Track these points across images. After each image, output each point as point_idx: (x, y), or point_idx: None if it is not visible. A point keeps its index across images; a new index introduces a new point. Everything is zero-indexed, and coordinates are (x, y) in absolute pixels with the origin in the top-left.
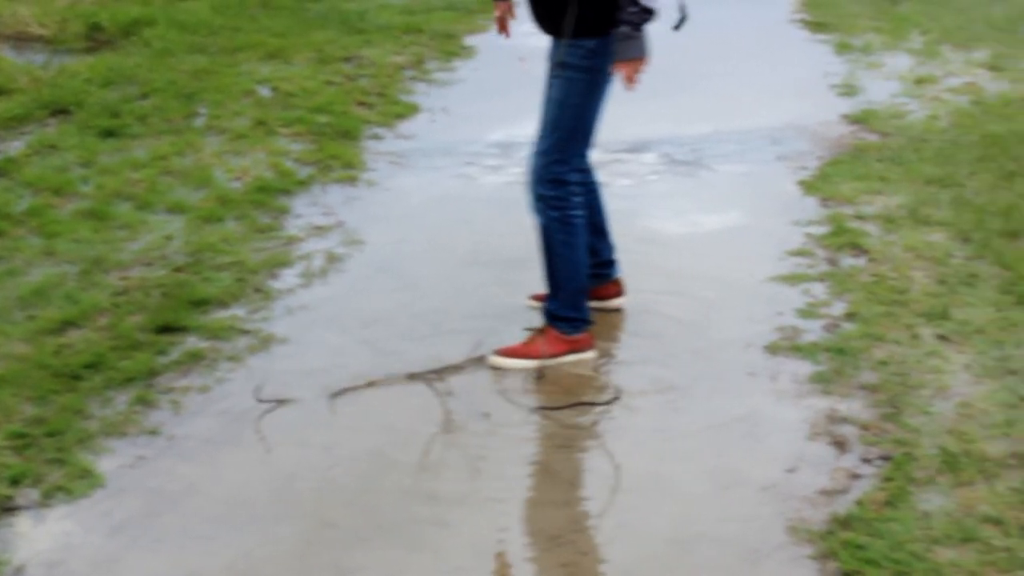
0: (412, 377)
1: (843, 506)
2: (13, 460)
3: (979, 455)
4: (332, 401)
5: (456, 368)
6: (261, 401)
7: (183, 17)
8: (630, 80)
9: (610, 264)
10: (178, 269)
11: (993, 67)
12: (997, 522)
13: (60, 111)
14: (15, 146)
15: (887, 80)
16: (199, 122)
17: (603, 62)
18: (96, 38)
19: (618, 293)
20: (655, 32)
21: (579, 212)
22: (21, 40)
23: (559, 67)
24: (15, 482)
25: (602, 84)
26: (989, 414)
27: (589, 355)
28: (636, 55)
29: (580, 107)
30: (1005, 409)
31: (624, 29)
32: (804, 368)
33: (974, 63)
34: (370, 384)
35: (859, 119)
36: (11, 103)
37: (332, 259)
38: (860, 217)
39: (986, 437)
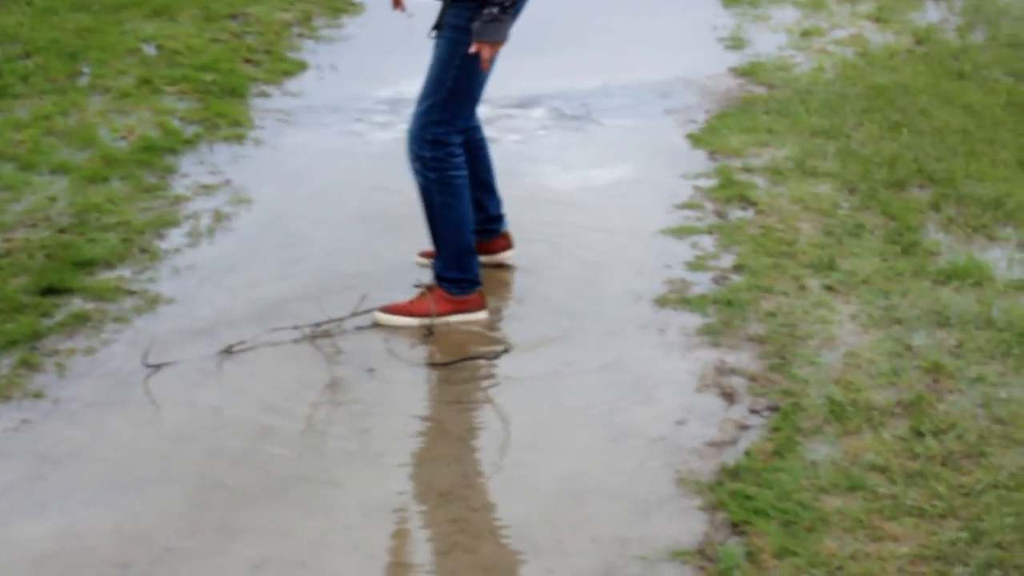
0: (299, 335)
1: (732, 457)
2: None
3: (865, 404)
4: (219, 361)
5: (344, 326)
6: (148, 367)
7: None
8: (485, 62)
9: (498, 219)
10: (62, 230)
11: (878, 19)
12: (883, 470)
13: None
14: None
15: (774, 33)
16: (83, 81)
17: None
18: None
19: (506, 247)
20: None
21: (459, 173)
22: None
23: (445, 28)
24: None
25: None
26: (875, 364)
27: (479, 316)
28: (497, 38)
29: (463, 68)
30: (891, 358)
31: (492, 10)
32: (693, 320)
33: (859, 15)
34: (257, 343)
35: (746, 72)
36: None
37: (219, 218)
38: (748, 169)
39: (872, 386)
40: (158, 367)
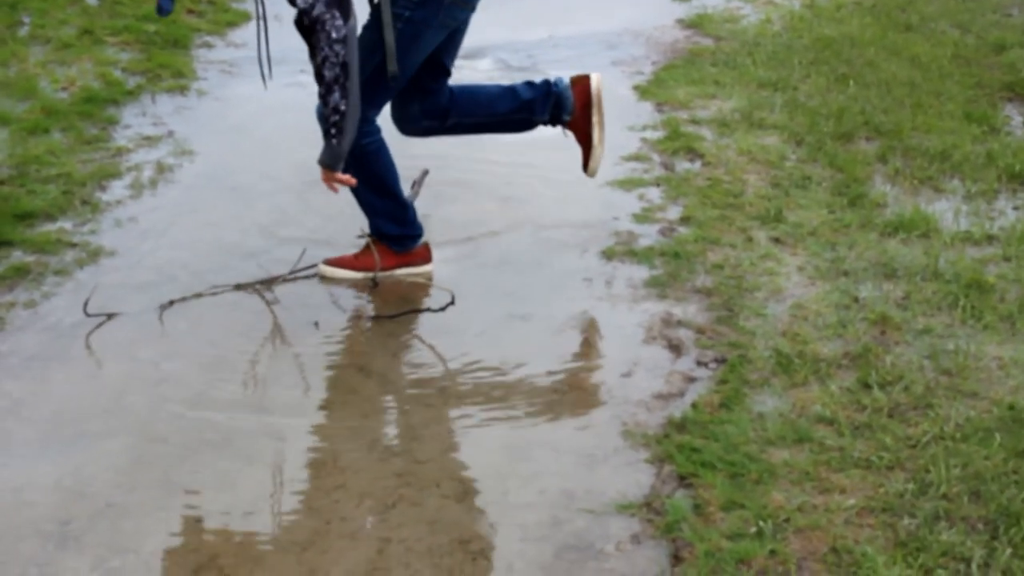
0: (241, 288)
1: (678, 409)
2: None
3: (812, 356)
4: (161, 314)
5: (287, 278)
6: (89, 315)
7: None
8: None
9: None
10: (2, 182)
11: None
12: (830, 422)
13: None
14: None
15: None
16: (23, 31)
17: (426, 15)
18: None
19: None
20: None
21: (370, 139)
22: None
23: (376, 8)
24: None
25: (420, 38)
26: (822, 315)
27: (425, 268)
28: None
29: (396, 54)
30: (838, 310)
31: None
32: (640, 273)
33: None
34: (199, 296)
35: (693, 24)
36: None
37: (162, 170)
38: (695, 121)
39: (819, 338)
40: (102, 318)
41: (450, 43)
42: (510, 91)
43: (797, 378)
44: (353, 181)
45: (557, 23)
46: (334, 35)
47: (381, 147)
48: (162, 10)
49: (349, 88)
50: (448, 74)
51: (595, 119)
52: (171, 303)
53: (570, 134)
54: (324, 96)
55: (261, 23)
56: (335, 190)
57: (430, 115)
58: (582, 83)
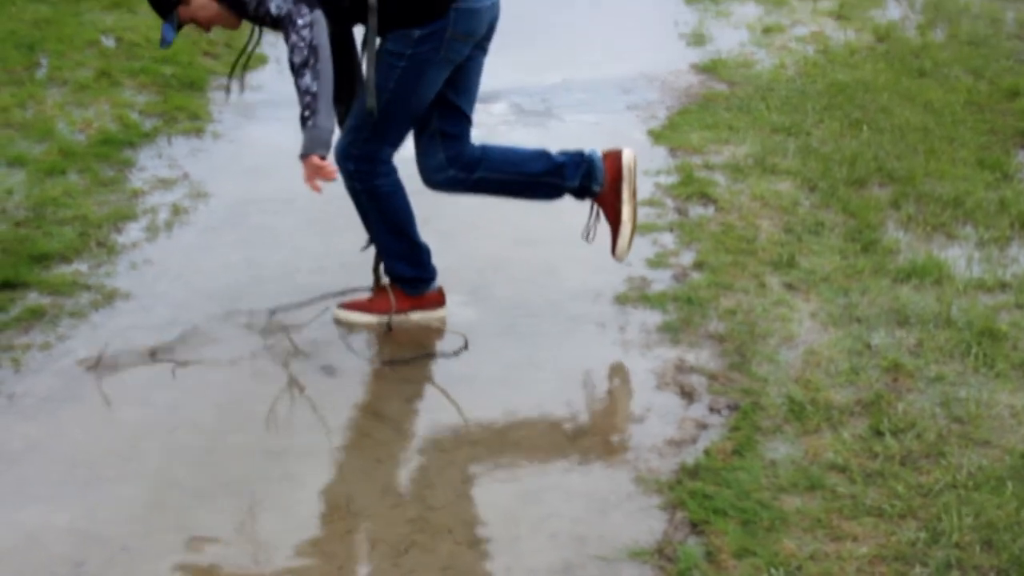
0: (256, 332)
1: (691, 456)
2: None
3: (825, 403)
4: (176, 358)
5: (301, 322)
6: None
7: None
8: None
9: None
10: (18, 224)
11: (839, 16)
12: (842, 469)
13: None
14: None
15: (735, 29)
16: (41, 73)
17: (427, 51)
18: None
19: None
20: None
21: (386, 180)
22: None
23: (382, 53)
24: None
25: (424, 75)
26: (835, 362)
27: (439, 312)
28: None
29: (397, 93)
30: (850, 357)
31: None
32: (653, 318)
33: (820, 12)
34: (215, 340)
35: (708, 68)
36: None
37: (177, 212)
38: (708, 166)
39: (832, 385)
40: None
41: (466, 86)
42: (543, 153)
43: (809, 425)
44: (335, 175)
45: (571, 67)
46: (300, 21)
47: (397, 187)
48: (164, 41)
49: (320, 70)
50: (469, 120)
51: (625, 195)
52: (185, 346)
53: (599, 214)
54: (296, 81)
55: (256, 33)
56: (318, 189)
57: (456, 164)
58: (614, 156)
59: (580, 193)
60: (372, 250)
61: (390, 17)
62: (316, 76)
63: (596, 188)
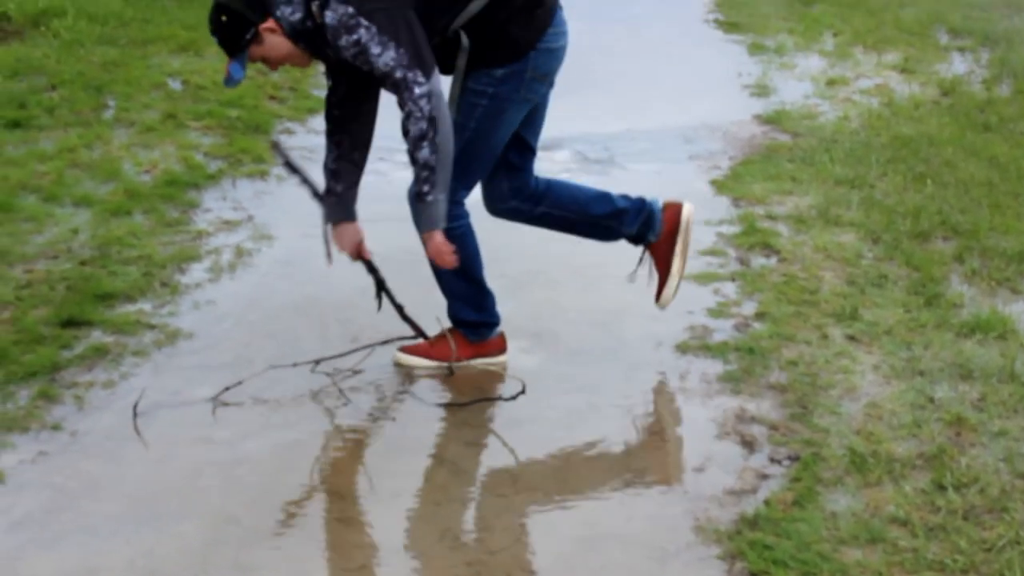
0: (317, 373)
1: (751, 506)
2: None
3: (887, 456)
4: (236, 398)
5: (362, 365)
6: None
7: (93, 8)
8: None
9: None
10: (84, 263)
11: (904, 69)
12: (904, 523)
13: None
14: None
15: (799, 81)
16: (108, 114)
17: (508, 90)
18: (4, 28)
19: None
20: (570, 30)
21: (458, 223)
22: None
23: (464, 92)
24: None
25: (504, 113)
26: (897, 415)
27: (500, 359)
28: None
29: (477, 133)
30: (912, 410)
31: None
32: (714, 367)
33: (885, 65)
34: (274, 380)
35: (771, 119)
36: None
37: (241, 254)
38: (771, 217)
39: (894, 438)
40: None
41: (532, 119)
42: (605, 196)
43: (871, 477)
44: (455, 260)
45: (635, 116)
46: (417, 91)
47: (468, 231)
48: (231, 79)
49: (439, 143)
50: (533, 152)
51: (678, 247)
52: (247, 386)
53: (648, 261)
54: (412, 153)
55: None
56: (450, 263)
57: (519, 195)
58: (674, 209)
59: (635, 239)
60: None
61: (474, 57)
62: (435, 150)
63: (652, 237)
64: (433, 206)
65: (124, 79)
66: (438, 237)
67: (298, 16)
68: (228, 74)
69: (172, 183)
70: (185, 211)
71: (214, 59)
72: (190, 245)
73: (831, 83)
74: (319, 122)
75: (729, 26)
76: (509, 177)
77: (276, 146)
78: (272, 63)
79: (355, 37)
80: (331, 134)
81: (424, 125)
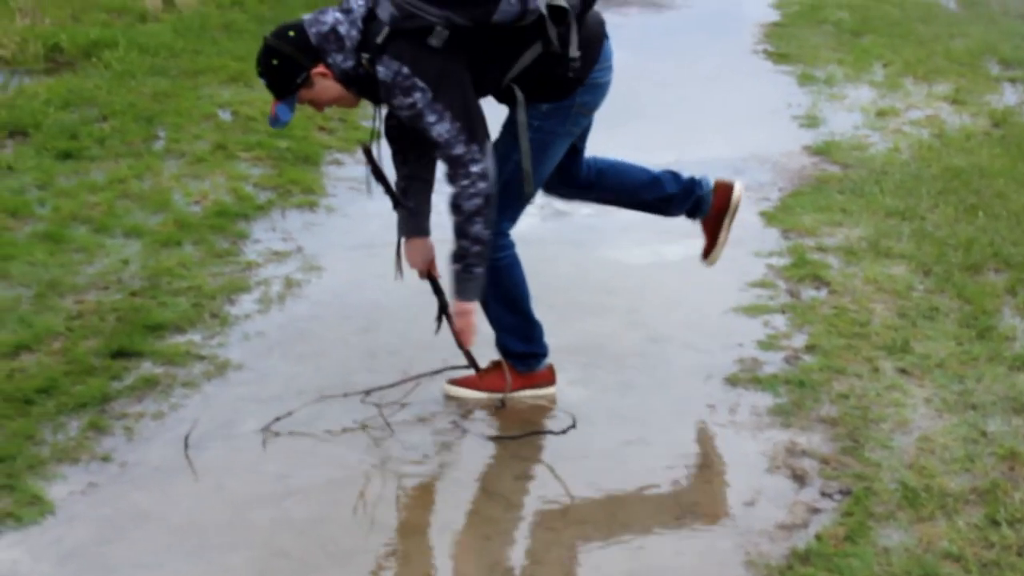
0: (366, 405)
1: (802, 541)
2: None
3: (939, 490)
4: (286, 429)
5: (413, 395)
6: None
7: (144, 39)
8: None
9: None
10: (134, 293)
11: (954, 100)
12: (957, 558)
13: (18, 132)
14: None
15: (849, 112)
16: (158, 145)
17: (554, 124)
18: (56, 59)
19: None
20: (619, 61)
21: (503, 254)
22: None
23: (510, 122)
24: None
25: (550, 147)
26: (949, 449)
27: (548, 391)
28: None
29: (521, 164)
30: (965, 444)
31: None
32: (764, 400)
33: (935, 96)
34: (324, 412)
35: (821, 150)
36: None
37: (290, 285)
38: (821, 249)
39: (946, 472)
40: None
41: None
42: (656, 181)
43: (923, 512)
44: (473, 341)
45: (684, 146)
46: (474, 169)
47: (514, 262)
48: (278, 121)
49: (491, 217)
50: (581, 152)
51: (726, 223)
52: (295, 418)
53: (697, 224)
54: (463, 226)
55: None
56: (469, 338)
57: (569, 184)
58: (724, 190)
59: (686, 215)
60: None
61: (523, 93)
62: (488, 225)
63: (700, 216)
64: (476, 280)
65: (174, 110)
66: (471, 310)
67: (350, 64)
68: (275, 115)
69: (222, 214)
70: (235, 242)
71: (264, 90)
72: (240, 276)
73: (881, 114)
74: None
75: (778, 57)
76: (559, 175)
77: (367, 152)
78: (320, 105)
79: (410, 100)
80: (395, 153)
81: (480, 202)
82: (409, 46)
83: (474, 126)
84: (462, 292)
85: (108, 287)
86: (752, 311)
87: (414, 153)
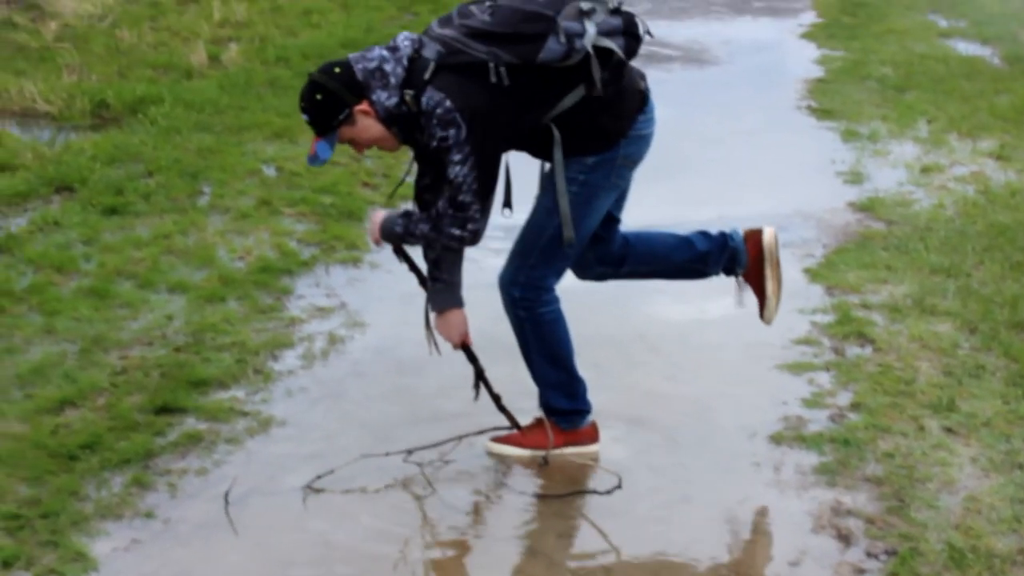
0: (409, 463)
1: None
2: (6, 542)
3: (986, 551)
4: (330, 486)
5: (454, 454)
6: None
7: (190, 95)
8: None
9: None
10: (178, 349)
11: (999, 157)
12: None
13: (64, 188)
14: (18, 223)
15: (893, 168)
16: (203, 201)
17: (599, 178)
18: (102, 115)
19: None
20: (662, 116)
21: (550, 308)
22: (27, 116)
23: (552, 170)
24: (7, 564)
25: (595, 200)
26: (996, 509)
27: (592, 448)
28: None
29: (571, 219)
30: (1013, 504)
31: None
32: (809, 459)
33: (980, 152)
34: (365, 469)
35: (865, 207)
36: (15, 180)
37: (334, 341)
38: (866, 306)
39: (993, 532)
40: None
41: (618, 196)
42: (686, 242)
43: (970, 573)
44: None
45: (727, 203)
46: (470, 226)
47: (559, 317)
48: (317, 159)
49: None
50: (618, 222)
51: (768, 272)
52: (339, 475)
53: (745, 285)
54: (432, 245)
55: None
56: (459, 343)
57: (604, 262)
58: (755, 237)
59: (726, 272)
60: (528, 381)
61: (566, 145)
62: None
63: (740, 270)
64: (450, 282)
65: (219, 166)
66: (453, 313)
67: (394, 101)
68: (314, 152)
69: (266, 270)
70: (278, 298)
71: (307, 146)
72: (283, 332)
73: (926, 170)
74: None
75: (822, 113)
76: (595, 248)
77: (398, 249)
78: (360, 145)
79: (444, 134)
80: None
81: (455, 246)
82: (456, 80)
83: (488, 183)
84: (440, 303)
85: (152, 343)
86: (796, 368)
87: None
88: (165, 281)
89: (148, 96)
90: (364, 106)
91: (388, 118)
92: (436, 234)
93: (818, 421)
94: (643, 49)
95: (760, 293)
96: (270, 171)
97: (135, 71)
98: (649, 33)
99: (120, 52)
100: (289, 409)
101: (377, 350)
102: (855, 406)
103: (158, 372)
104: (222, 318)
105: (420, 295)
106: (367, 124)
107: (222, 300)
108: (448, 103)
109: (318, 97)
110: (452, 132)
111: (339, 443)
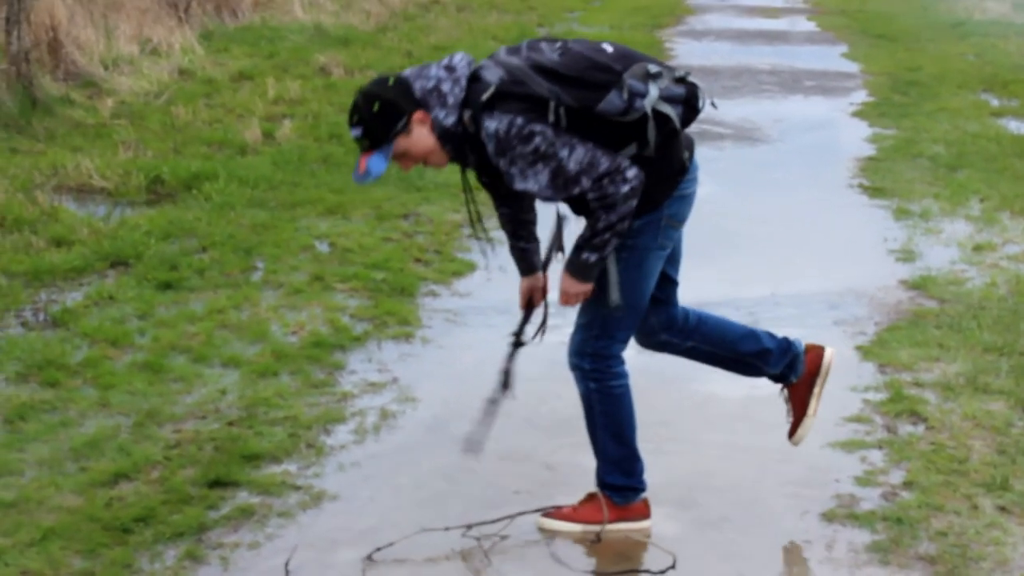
0: (462, 539)
1: None
2: None
3: None
4: (383, 561)
5: (507, 529)
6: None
7: (244, 172)
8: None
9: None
10: (231, 423)
11: None
12: None
13: (119, 263)
14: (73, 297)
15: (946, 246)
16: (256, 276)
17: (647, 240)
18: (157, 191)
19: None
20: (713, 194)
21: (620, 382)
22: (83, 192)
23: None
24: None
25: (645, 262)
26: None
27: (643, 524)
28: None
29: (622, 285)
30: None
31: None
32: (861, 537)
33: None
34: (418, 546)
35: (917, 285)
36: (71, 255)
37: (386, 416)
38: (918, 384)
39: None
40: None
41: (671, 255)
42: (754, 335)
43: None
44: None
45: (779, 281)
46: (630, 173)
47: (626, 392)
48: (368, 175)
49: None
50: (676, 284)
51: (816, 390)
52: (391, 544)
53: (786, 397)
54: (613, 220)
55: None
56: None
57: (667, 329)
58: (815, 352)
59: (777, 379)
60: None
61: None
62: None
63: (793, 379)
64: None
65: (273, 241)
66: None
67: (451, 120)
68: (366, 169)
69: (318, 345)
70: (331, 372)
71: (360, 222)
72: (335, 407)
73: (978, 249)
74: (464, 284)
75: (874, 191)
76: (656, 312)
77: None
78: (410, 159)
79: (531, 147)
80: (494, 199)
81: (626, 211)
82: (519, 106)
83: (599, 142)
84: (589, 276)
85: (206, 416)
86: (849, 446)
87: (513, 199)
88: (219, 355)
89: (203, 172)
90: (420, 115)
91: (443, 136)
92: (614, 213)
93: (870, 499)
94: (695, 127)
95: (802, 409)
96: (323, 247)
97: (190, 148)
98: (713, 104)
99: (175, 129)
100: (341, 483)
101: (429, 426)
102: (908, 484)
103: (211, 446)
104: (275, 392)
105: (472, 371)
106: (422, 134)
107: (275, 375)
108: (519, 119)
109: (375, 107)
110: (538, 140)
111: (392, 518)
